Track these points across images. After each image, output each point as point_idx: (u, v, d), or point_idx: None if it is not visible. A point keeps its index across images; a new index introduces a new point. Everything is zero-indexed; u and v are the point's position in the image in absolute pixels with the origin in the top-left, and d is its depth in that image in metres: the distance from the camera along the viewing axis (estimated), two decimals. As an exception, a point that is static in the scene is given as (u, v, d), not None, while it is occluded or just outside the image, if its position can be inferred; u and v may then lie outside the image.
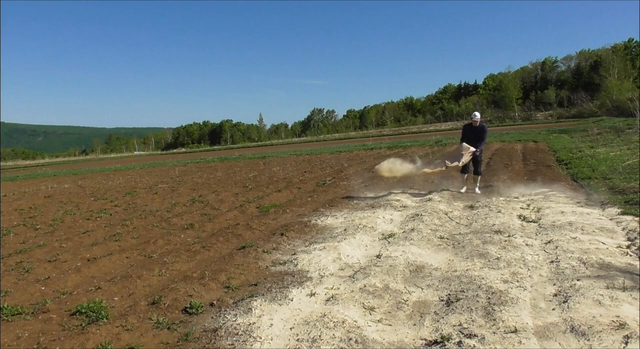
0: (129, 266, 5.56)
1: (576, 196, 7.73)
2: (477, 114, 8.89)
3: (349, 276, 4.55)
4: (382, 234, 6.10)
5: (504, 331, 3.17)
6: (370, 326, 3.49)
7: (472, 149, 8.61)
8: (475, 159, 8.82)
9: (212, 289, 4.47)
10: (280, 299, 3.99)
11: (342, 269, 4.84)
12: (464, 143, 8.71)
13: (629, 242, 4.97)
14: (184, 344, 3.38)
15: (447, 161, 8.68)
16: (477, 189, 9.00)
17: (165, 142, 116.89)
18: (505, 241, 5.30)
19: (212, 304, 4.07)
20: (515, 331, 3.15)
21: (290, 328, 3.47)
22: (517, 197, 8.08)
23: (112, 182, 19.01)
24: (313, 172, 15.17)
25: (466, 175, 9.14)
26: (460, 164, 8.66)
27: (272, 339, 3.31)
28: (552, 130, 29.10)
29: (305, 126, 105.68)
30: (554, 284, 4.03)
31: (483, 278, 4.17)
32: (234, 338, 3.35)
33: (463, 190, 9.17)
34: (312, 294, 4.08)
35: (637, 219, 5.79)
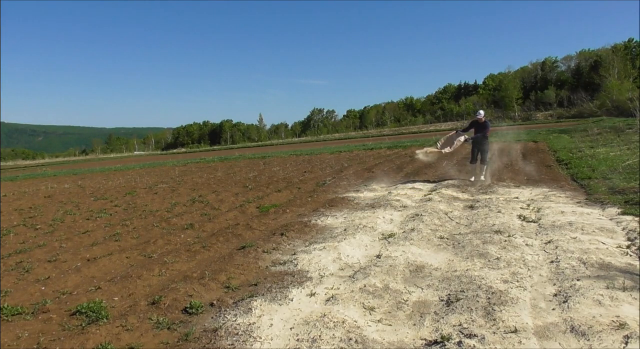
0: (129, 266, 5.56)
1: (576, 196, 7.73)
2: (482, 112, 10.19)
3: (349, 276, 4.55)
4: (382, 234, 6.10)
5: (504, 331, 3.17)
6: (370, 326, 3.49)
7: (462, 138, 10.30)
8: (482, 150, 10.06)
9: (212, 289, 4.47)
10: (280, 299, 3.99)
11: (342, 269, 4.84)
12: (463, 135, 10.33)
13: (629, 242, 4.97)
14: (184, 344, 3.38)
15: (443, 149, 10.55)
16: (482, 177, 10.14)
17: (165, 142, 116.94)
18: (505, 241, 5.30)
19: (212, 304, 4.07)
20: (515, 331, 3.15)
21: (290, 328, 3.47)
22: (517, 197, 8.07)
23: (112, 182, 19.01)
24: (313, 172, 15.17)
25: (475, 165, 10.33)
26: (450, 150, 10.51)
27: (272, 339, 3.31)
28: (552, 130, 29.08)
29: (305, 126, 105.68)
30: (554, 284, 4.03)
31: (483, 278, 4.17)
32: (234, 338, 3.35)
33: (473, 179, 10.22)
34: (312, 294, 4.08)
35: (637, 219, 5.79)
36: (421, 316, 3.62)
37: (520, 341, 3.02)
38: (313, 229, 6.76)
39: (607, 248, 4.78)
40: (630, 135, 18.31)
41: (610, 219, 6.03)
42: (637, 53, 63.01)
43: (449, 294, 3.93)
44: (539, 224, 6.08)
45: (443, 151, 10.57)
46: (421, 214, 6.91)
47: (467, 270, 4.48)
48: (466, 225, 6.43)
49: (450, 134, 10.93)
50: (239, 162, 25.10)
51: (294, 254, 5.48)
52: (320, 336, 3.26)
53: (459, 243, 5.51)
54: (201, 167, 24.32)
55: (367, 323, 3.54)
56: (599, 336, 3.02)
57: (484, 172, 10.19)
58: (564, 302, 3.60)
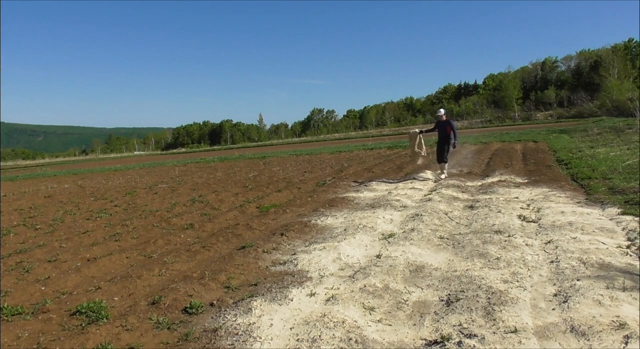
0: (129, 266, 5.56)
1: (576, 196, 7.72)
2: (442, 111, 10.97)
3: (349, 276, 4.55)
4: (382, 234, 6.10)
5: (504, 331, 3.17)
6: (370, 326, 3.49)
7: (414, 131, 11.58)
8: (443, 149, 10.82)
9: (212, 289, 4.47)
10: (280, 299, 3.98)
11: (342, 269, 4.84)
12: (411, 131, 11.66)
13: (629, 242, 4.97)
14: (184, 344, 3.38)
15: (422, 152, 11.61)
16: (442, 175, 10.97)
17: (165, 142, 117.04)
18: (505, 241, 5.30)
19: (212, 304, 4.07)
20: (515, 331, 3.15)
21: (290, 328, 3.47)
22: (517, 197, 8.07)
23: (112, 182, 19.01)
24: (313, 172, 15.17)
25: (441, 164, 11.17)
26: (423, 150, 11.49)
27: (272, 339, 3.31)
28: (552, 130, 29.08)
29: (305, 126, 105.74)
30: (554, 284, 4.03)
31: (483, 278, 4.17)
32: (234, 338, 3.35)
33: (442, 176, 10.97)
34: (312, 294, 4.08)
35: (637, 219, 5.79)
36: (421, 316, 3.62)
37: (520, 341, 3.02)
38: (313, 229, 6.76)
39: (607, 248, 4.78)
40: (630, 135, 18.30)
41: (610, 219, 6.03)
42: (637, 53, 63.02)
43: (449, 294, 3.93)
44: (539, 224, 6.08)
45: (422, 152, 11.60)
46: (421, 214, 6.91)
47: (467, 270, 4.48)
48: (466, 225, 6.43)
49: (412, 142, 11.64)
50: (239, 162, 25.10)
51: (294, 254, 5.48)
52: (320, 336, 3.26)
53: (459, 243, 5.51)
54: (201, 167, 24.32)
55: (367, 323, 3.54)
56: (599, 336, 3.02)
57: (445, 170, 11.03)
58: (564, 302, 3.60)
